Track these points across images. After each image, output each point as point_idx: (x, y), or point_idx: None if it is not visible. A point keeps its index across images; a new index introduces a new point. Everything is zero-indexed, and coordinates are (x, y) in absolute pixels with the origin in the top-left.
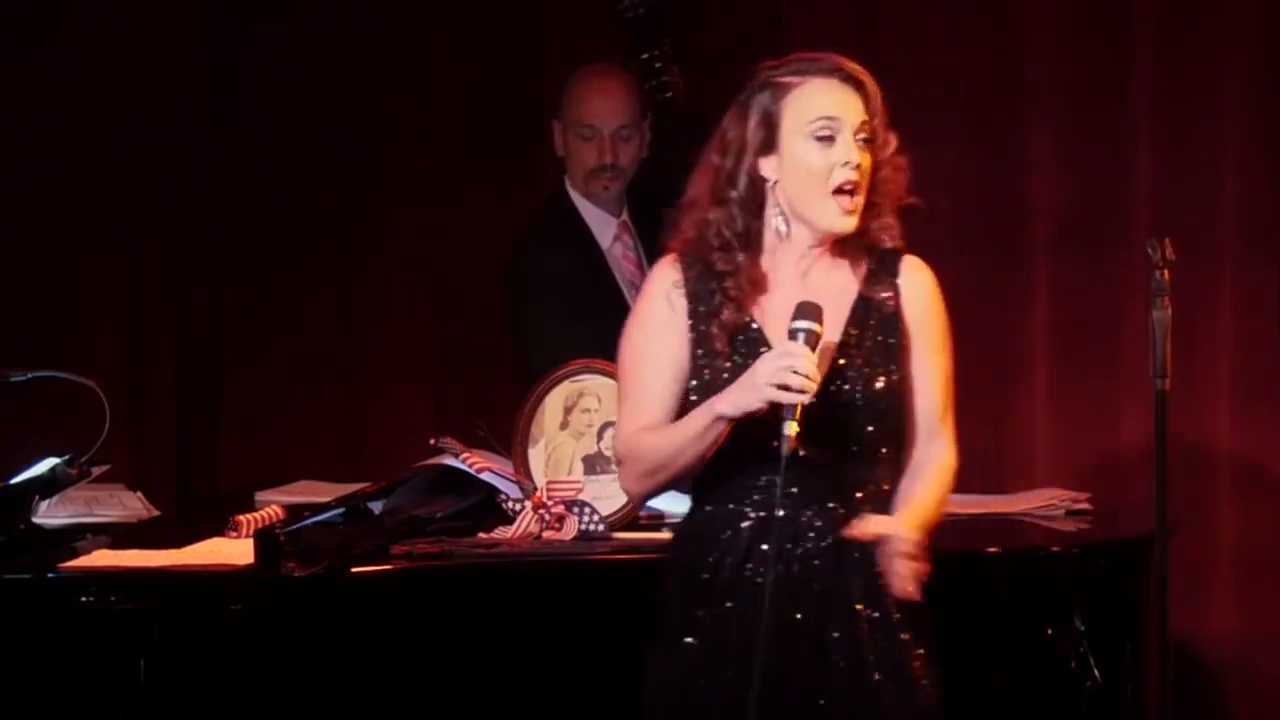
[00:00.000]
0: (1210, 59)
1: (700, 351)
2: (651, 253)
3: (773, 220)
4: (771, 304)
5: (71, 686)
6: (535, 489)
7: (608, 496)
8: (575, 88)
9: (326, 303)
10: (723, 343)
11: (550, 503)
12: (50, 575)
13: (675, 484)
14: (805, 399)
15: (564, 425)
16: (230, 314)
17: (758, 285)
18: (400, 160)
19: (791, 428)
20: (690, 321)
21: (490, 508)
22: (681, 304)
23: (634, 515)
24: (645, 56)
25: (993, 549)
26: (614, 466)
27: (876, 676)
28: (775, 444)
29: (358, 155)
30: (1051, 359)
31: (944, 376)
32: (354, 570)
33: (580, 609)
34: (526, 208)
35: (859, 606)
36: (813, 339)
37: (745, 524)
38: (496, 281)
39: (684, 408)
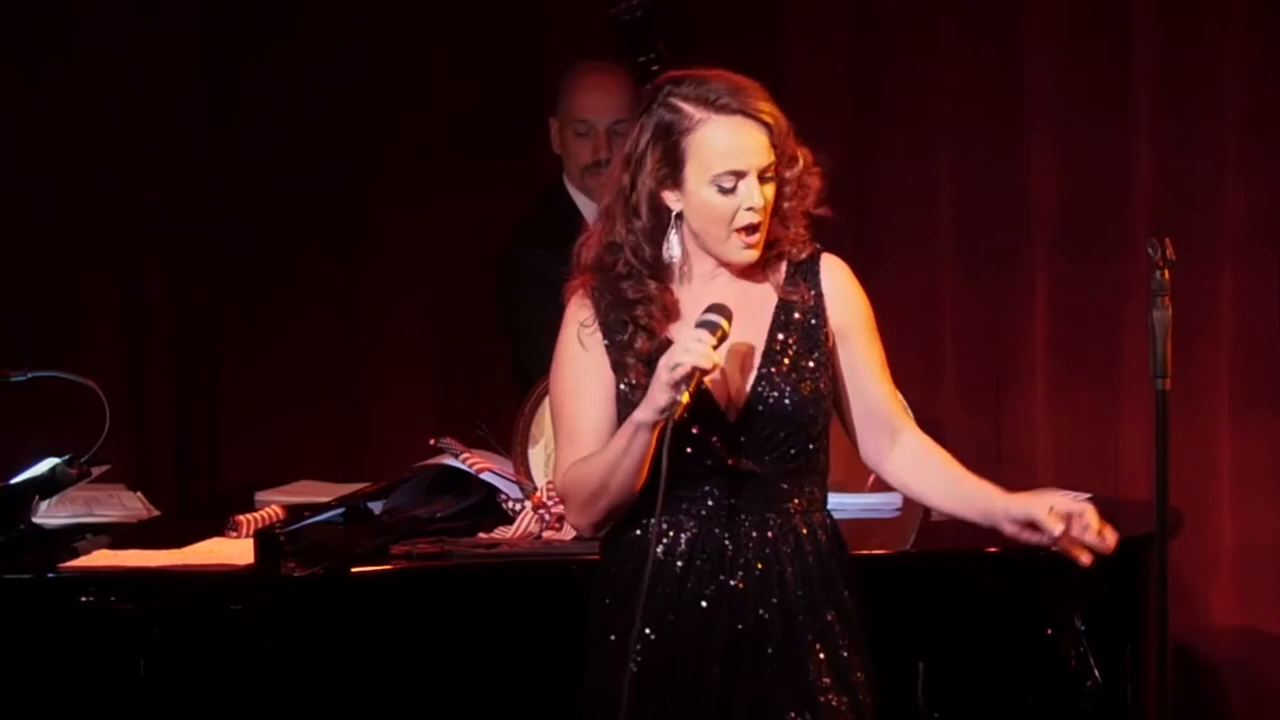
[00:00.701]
0: (1210, 60)
1: (622, 384)
2: None
3: (672, 250)
4: (684, 326)
5: (71, 686)
6: (535, 489)
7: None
8: (570, 84)
9: (326, 303)
10: (638, 371)
11: (550, 503)
12: (50, 575)
13: (618, 508)
14: (705, 363)
15: None
16: (230, 314)
17: (670, 312)
18: (400, 160)
19: (684, 396)
20: (609, 357)
21: (490, 508)
22: (595, 341)
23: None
24: (642, 60)
25: (993, 549)
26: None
27: (826, 682)
28: (708, 460)
29: (357, 155)
30: (1051, 359)
31: (880, 365)
32: (354, 570)
33: (580, 609)
34: (526, 207)
35: (799, 617)
36: (717, 332)
37: (684, 535)
38: (496, 281)
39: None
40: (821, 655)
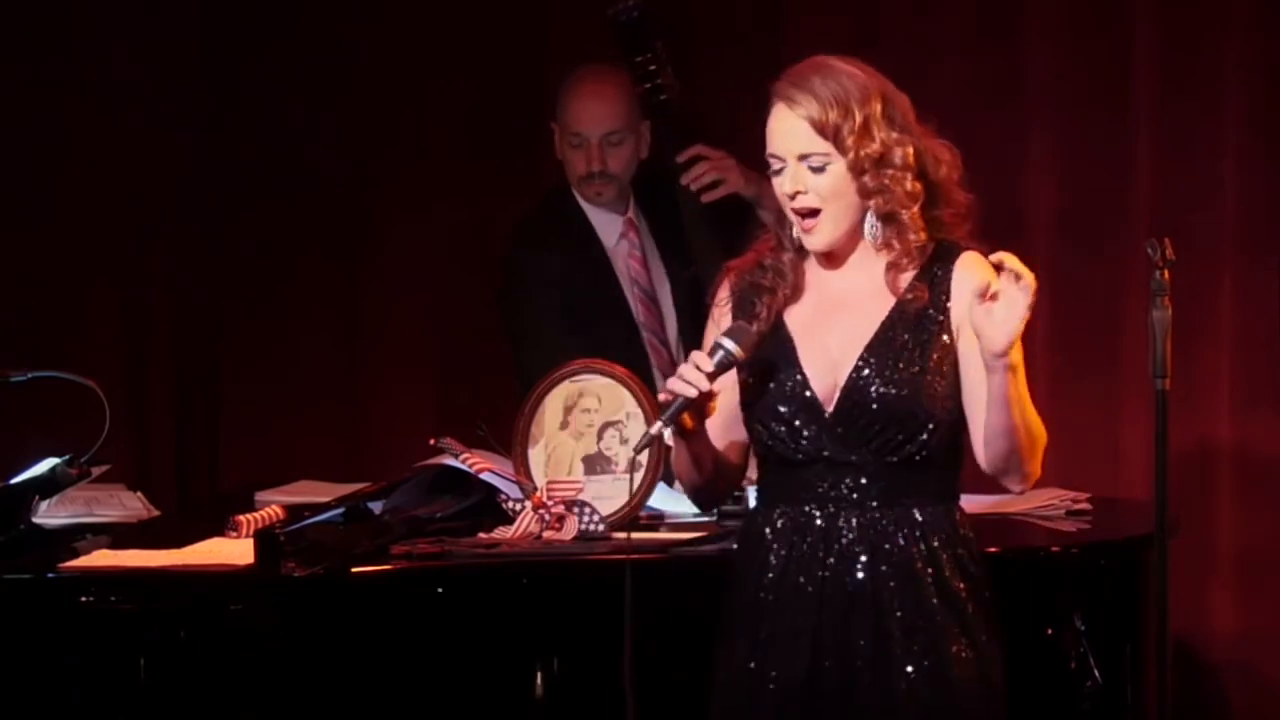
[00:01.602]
0: (1210, 59)
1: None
2: (661, 248)
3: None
4: (802, 309)
5: (71, 686)
6: (535, 489)
7: (608, 496)
8: (565, 93)
9: (326, 303)
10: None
11: (550, 503)
12: (50, 575)
13: (700, 490)
14: (689, 393)
15: (564, 425)
16: (230, 314)
17: (795, 290)
18: (400, 160)
19: (657, 427)
20: None
21: (490, 508)
22: (725, 317)
23: (634, 515)
24: (639, 59)
25: (993, 549)
26: (612, 467)
27: (909, 671)
28: (808, 448)
29: (357, 155)
30: (1051, 359)
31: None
32: (354, 570)
33: (580, 609)
34: (527, 208)
35: (897, 612)
36: (728, 359)
37: (784, 525)
38: (496, 281)
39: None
40: (914, 649)
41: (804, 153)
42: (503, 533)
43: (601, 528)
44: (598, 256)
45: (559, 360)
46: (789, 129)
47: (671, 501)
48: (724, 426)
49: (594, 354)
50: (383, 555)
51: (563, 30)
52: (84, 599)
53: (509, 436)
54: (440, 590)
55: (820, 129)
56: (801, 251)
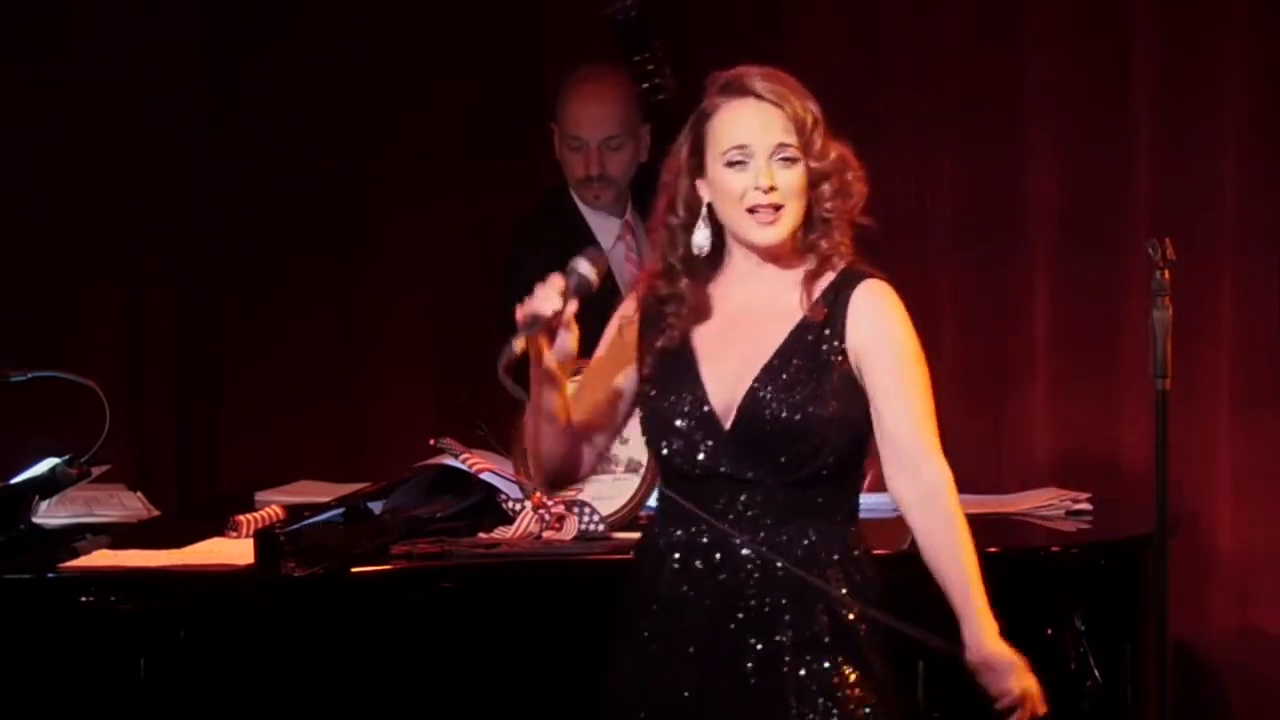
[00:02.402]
0: (1210, 59)
1: (643, 381)
2: None
3: (696, 237)
4: (709, 327)
5: (71, 686)
6: (535, 489)
7: (608, 496)
8: (565, 95)
9: (326, 303)
10: (655, 369)
11: (550, 503)
12: (50, 575)
13: (551, 462)
14: (544, 310)
15: None
16: (230, 314)
17: (699, 312)
18: (400, 160)
19: (518, 343)
20: (639, 351)
21: (490, 508)
22: (632, 333)
23: (634, 515)
24: (637, 59)
25: (993, 549)
26: (612, 467)
27: (799, 692)
28: (706, 464)
29: (357, 155)
30: (1051, 359)
31: (909, 394)
32: (354, 570)
33: (580, 609)
34: (527, 208)
35: (788, 631)
36: (583, 282)
37: (679, 539)
38: (496, 281)
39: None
40: (802, 672)
41: (781, 142)
42: (503, 533)
43: (601, 528)
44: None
45: None
46: (764, 121)
47: None
48: (592, 402)
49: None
50: (383, 555)
51: (563, 30)
52: (84, 599)
53: (509, 436)
54: (440, 590)
55: (797, 125)
56: (697, 273)
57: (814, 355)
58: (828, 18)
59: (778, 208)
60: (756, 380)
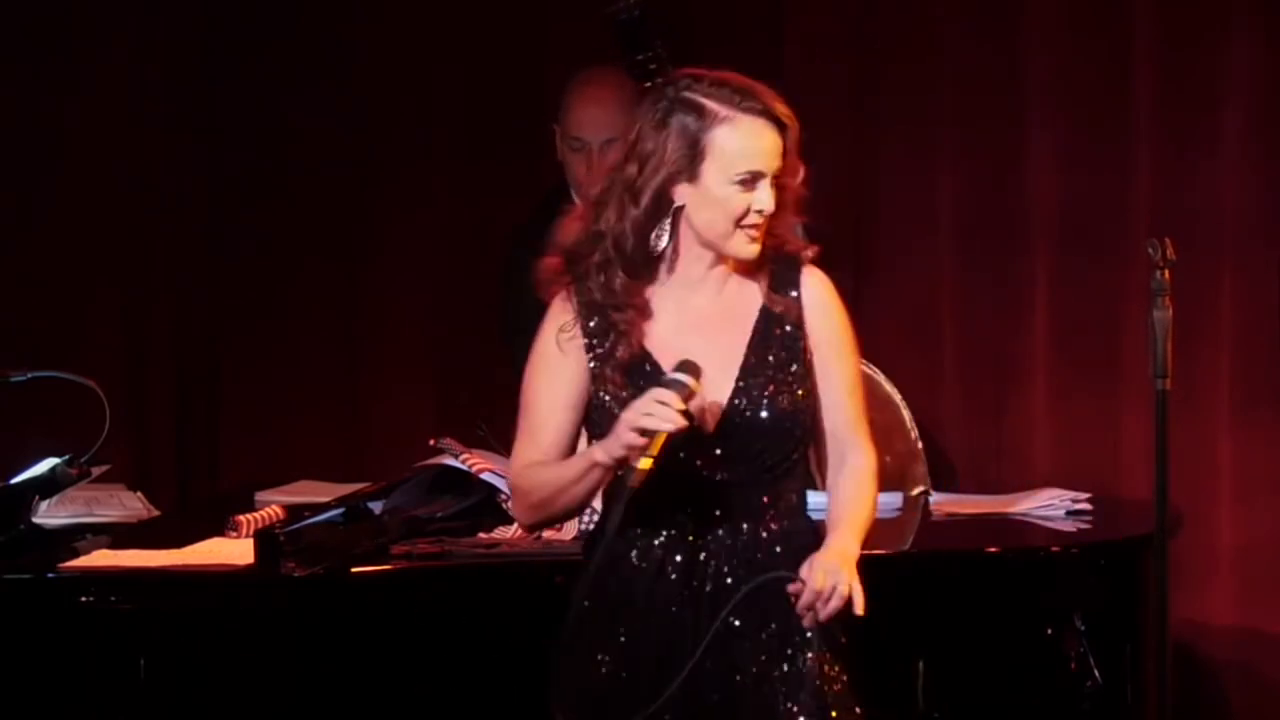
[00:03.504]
0: (1210, 60)
1: (602, 393)
2: None
3: (661, 241)
4: (663, 331)
5: (71, 686)
6: (524, 529)
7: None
8: (568, 96)
9: (326, 303)
10: (617, 382)
11: None
12: (50, 575)
13: (563, 519)
14: (670, 428)
15: None
16: (230, 314)
17: (643, 311)
18: (400, 160)
19: (644, 463)
20: (590, 365)
21: (490, 508)
22: (575, 347)
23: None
24: (639, 59)
25: (993, 549)
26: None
27: (781, 681)
28: (684, 469)
29: (357, 155)
30: (1051, 359)
31: (851, 384)
32: (354, 570)
33: None
34: (527, 208)
35: (772, 626)
36: (685, 392)
37: (658, 544)
38: (496, 281)
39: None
40: (785, 668)
41: (776, 170)
42: (503, 533)
43: None
44: None
45: None
46: (772, 148)
47: None
48: (565, 430)
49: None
50: (383, 555)
51: (563, 30)
52: (84, 599)
53: (509, 436)
54: (440, 590)
55: (785, 151)
56: (637, 273)
57: (783, 348)
58: (827, 18)
59: (761, 225)
60: (739, 381)
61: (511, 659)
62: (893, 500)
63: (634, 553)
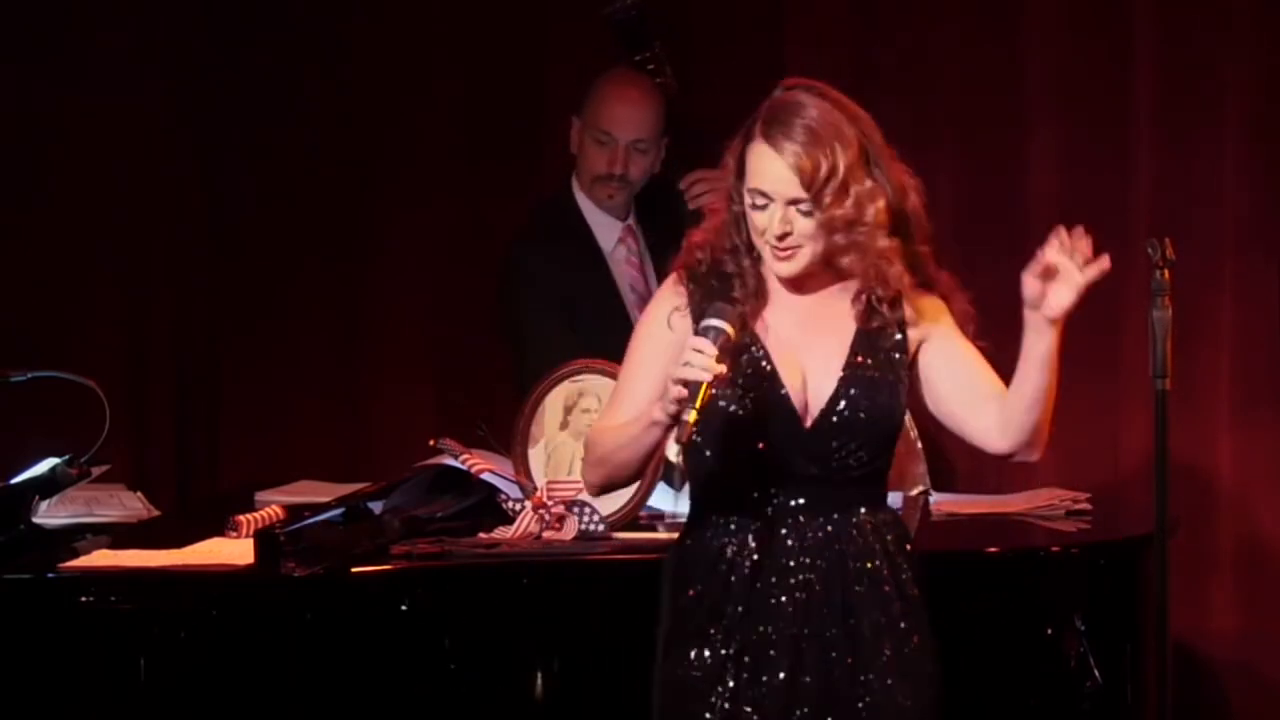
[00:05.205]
0: (1210, 59)
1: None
2: (656, 257)
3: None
4: (775, 323)
5: (71, 686)
6: (535, 489)
7: (608, 496)
8: (600, 91)
9: (326, 303)
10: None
11: (550, 503)
12: (50, 575)
13: (620, 482)
14: (705, 377)
15: (564, 425)
16: (230, 314)
17: (761, 295)
18: (400, 160)
19: (691, 414)
20: None
21: (490, 508)
22: (684, 325)
23: (634, 515)
24: (638, 59)
25: (993, 549)
26: None
27: (886, 679)
28: (778, 464)
29: (357, 155)
30: None
31: (977, 353)
32: (354, 570)
33: (580, 609)
34: (527, 207)
35: (865, 616)
36: (719, 339)
37: (750, 535)
38: (496, 281)
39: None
40: (888, 653)
41: (794, 198)
42: (503, 533)
43: (601, 528)
44: (596, 260)
45: (558, 360)
46: (779, 174)
47: (671, 501)
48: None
49: (593, 354)
50: (383, 555)
51: (563, 30)
52: (84, 599)
53: (509, 436)
54: (440, 590)
55: (806, 182)
56: (757, 257)
57: (882, 350)
58: (828, 18)
59: (793, 247)
60: (843, 377)
61: (511, 659)
62: (892, 500)
63: (730, 548)
